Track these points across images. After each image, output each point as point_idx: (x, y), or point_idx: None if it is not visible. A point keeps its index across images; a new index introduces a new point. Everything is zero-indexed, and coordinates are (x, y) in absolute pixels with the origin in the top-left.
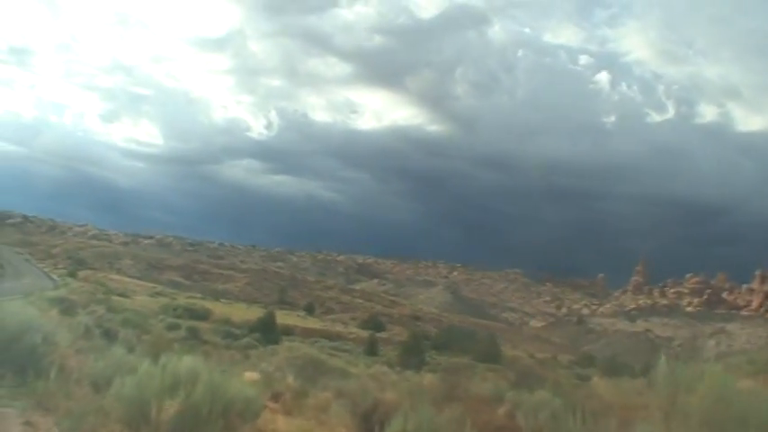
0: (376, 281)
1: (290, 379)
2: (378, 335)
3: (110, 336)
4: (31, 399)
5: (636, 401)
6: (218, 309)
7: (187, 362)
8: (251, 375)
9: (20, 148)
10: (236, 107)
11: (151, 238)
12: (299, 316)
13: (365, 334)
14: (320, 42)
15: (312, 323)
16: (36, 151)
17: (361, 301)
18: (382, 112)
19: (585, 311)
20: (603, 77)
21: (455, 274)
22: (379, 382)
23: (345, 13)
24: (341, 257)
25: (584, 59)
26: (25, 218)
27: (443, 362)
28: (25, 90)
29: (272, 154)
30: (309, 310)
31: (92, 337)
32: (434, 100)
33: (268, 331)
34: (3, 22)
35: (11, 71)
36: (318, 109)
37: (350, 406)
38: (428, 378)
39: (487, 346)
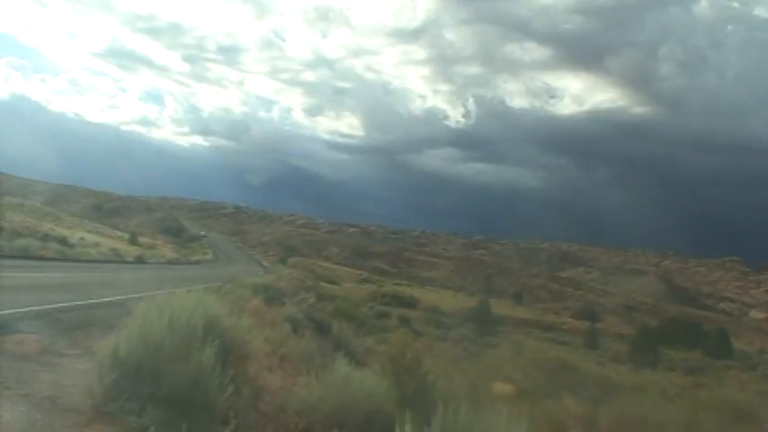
0: (582, 269)
1: (570, 401)
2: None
3: (322, 331)
4: None
5: None
6: (426, 296)
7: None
8: (503, 387)
9: (231, 143)
10: (434, 97)
11: (355, 226)
12: (507, 305)
13: (579, 324)
14: (517, 27)
15: (522, 312)
16: (246, 145)
17: (570, 289)
18: (583, 95)
19: None
20: None
21: (666, 262)
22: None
23: None
24: (544, 245)
25: None
26: (237, 208)
27: (676, 358)
28: (234, 87)
29: (470, 142)
30: (518, 298)
31: (302, 335)
32: (638, 81)
33: (482, 321)
34: (211, 23)
35: (220, 70)
36: (516, 95)
37: None
38: None
39: (717, 339)
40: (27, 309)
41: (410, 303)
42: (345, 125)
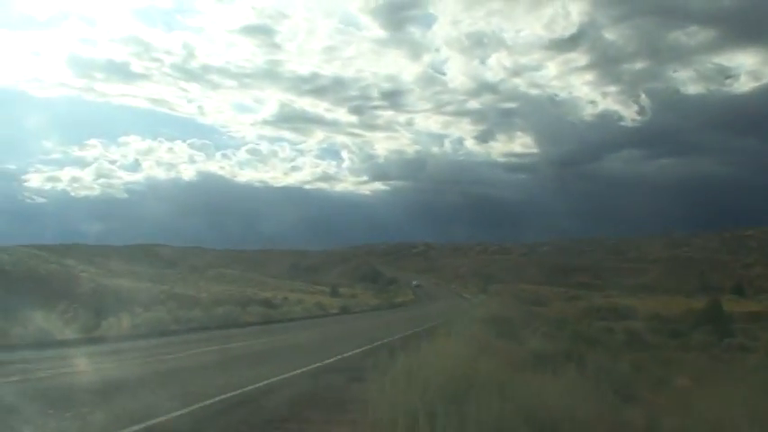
0: None
1: None
2: None
3: (581, 365)
4: None
5: None
6: (641, 305)
7: None
8: None
9: (410, 183)
10: (604, 100)
11: (547, 244)
12: (730, 300)
13: None
14: (677, 12)
15: (750, 306)
16: (424, 182)
17: None
18: (759, 70)
19: None
20: None
21: None
22: None
23: None
24: (750, 232)
25: None
26: (427, 245)
27: None
28: (403, 129)
29: (650, 139)
30: (739, 292)
31: (567, 376)
32: None
33: (718, 322)
34: (370, 72)
35: (387, 114)
36: (689, 82)
37: None
38: None
39: None
40: (217, 398)
41: (627, 314)
42: (519, 145)
